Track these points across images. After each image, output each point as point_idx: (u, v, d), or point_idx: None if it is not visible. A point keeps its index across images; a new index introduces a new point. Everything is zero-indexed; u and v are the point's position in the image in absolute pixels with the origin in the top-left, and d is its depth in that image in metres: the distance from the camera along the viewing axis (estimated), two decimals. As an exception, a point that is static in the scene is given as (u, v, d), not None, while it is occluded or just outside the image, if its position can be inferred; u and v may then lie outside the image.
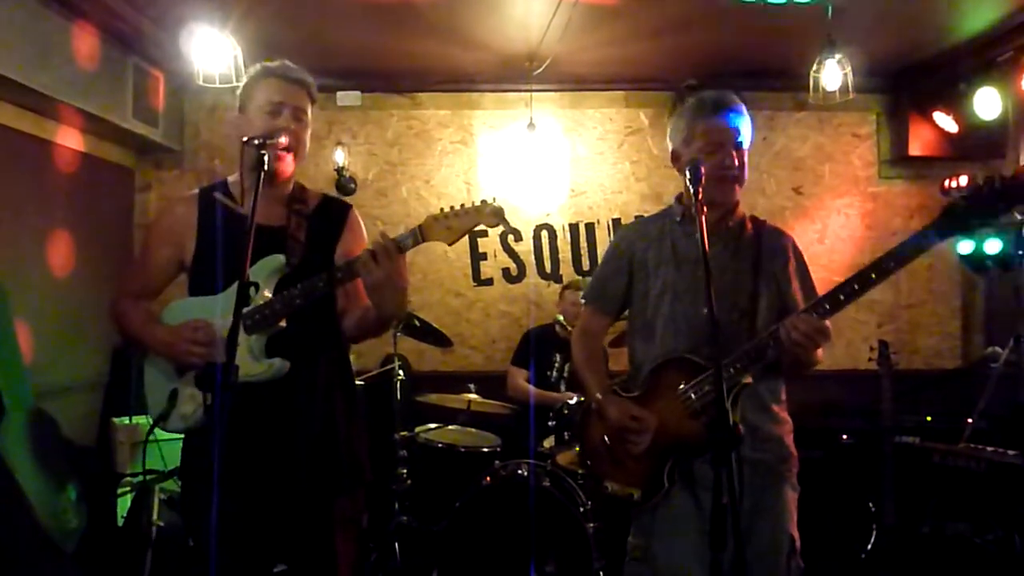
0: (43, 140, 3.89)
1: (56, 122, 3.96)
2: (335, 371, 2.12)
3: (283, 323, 1.97)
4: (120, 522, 3.74)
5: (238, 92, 2.11)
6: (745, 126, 2.14)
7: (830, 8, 3.47)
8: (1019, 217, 1.81)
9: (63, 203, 4.08)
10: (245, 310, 1.92)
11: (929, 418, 4.08)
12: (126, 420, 3.96)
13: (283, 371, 1.95)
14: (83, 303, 4.14)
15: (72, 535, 3.25)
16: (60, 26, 3.60)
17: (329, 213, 2.17)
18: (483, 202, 1.94)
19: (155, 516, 3.54)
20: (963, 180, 3.62)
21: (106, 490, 3.82)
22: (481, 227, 1.96)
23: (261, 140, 1.87)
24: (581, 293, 4.31)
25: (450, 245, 1.99)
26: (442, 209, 1.94)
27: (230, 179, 2.15)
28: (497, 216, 1.94)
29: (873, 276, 1.87)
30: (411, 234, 1.93)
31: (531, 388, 4.26)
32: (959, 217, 1.78)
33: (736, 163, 2.10)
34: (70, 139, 4.12)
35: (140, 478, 3.64)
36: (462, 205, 1.95)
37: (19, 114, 3.70)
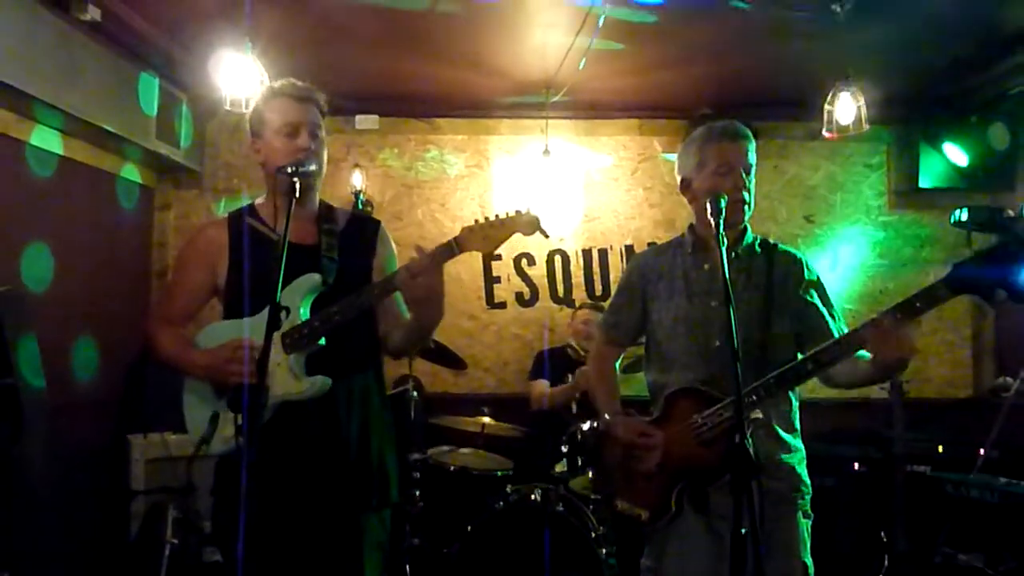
0: (66, 158, 3.95)
1: (80, 140, 4.03)
2: (372, 388, 2.15)
3: (322, 341, 1.99)
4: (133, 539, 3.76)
5: (248, 117, 2.13)
6: (752, 152, 2.20)
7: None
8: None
9: (82, 220, 4.13)
10: (283, 331, 1.96)
11: (941, 447, 4.07)
12: (141, 436, 4.00)
13: (325, 389, 1.97)
14: (100, 319, 4.19)
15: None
16: (87, 47, 3.67)
17: (359, 230, 2.21)
18: (518, 212, 1.97)
19: (169, 534, 3.57)
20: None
21: (120, 506, 3.85)
22: (518, 235, 1.97)
23: (294, 168, 1.91)
24: (588, 313, 4.38)
25: (488, 254, 2.02)
26: (477, 220, 1.98)
27: (257, 202, 2.19)
28: (533, 225, 1.96)
29: (899, 315, 1.87)
30: (447, 246, 1.96)
31: (550, 388, 4.19)
32: (968, 276, 1.79)
33: (746, 185, 2.16)
34: (92, 157, 4.18)
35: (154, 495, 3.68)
36: (497, 215, 1.97)
37: (44, 133, 3.77)
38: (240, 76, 3.28)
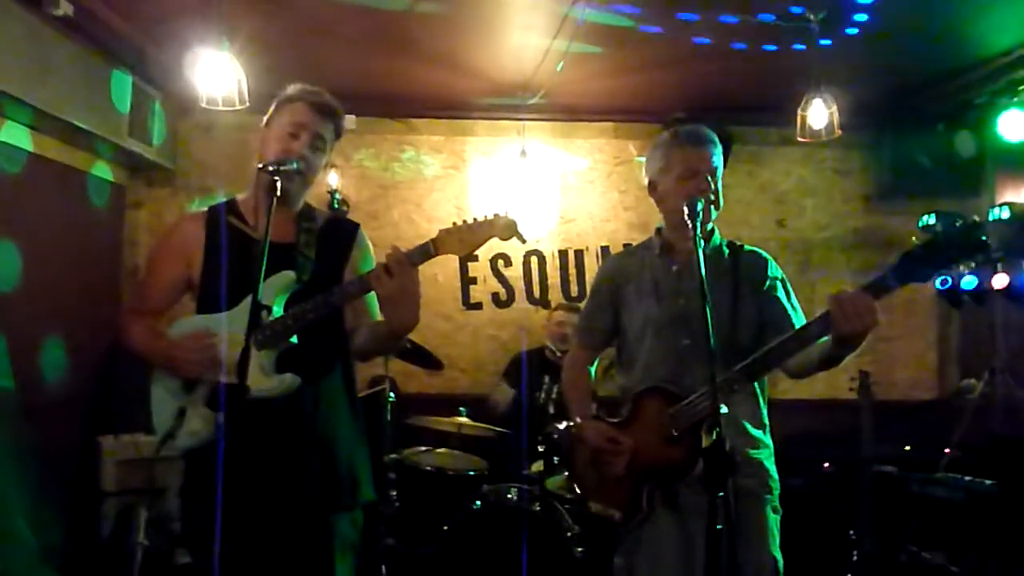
0: (36, 155, 3.89)
1: (51, 137, 3.97)
2: (342, 387, 2.14)
3: (294, 338, 1.98)
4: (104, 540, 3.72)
5: (271, 109, 2.12)
6: (718, 156, 2.23)
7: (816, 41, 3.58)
8: (973, 265, 1.89)
9: (52, 218, 4.07)
10: None
11: (907, 448, 4.16)
12: (111, 437, 3.95)
13: (295, 386, 1.96)
14: (69, 319, 4.13)
15: (53, 550, 3.23)
16: (59, 43, 3.62)
17: (337, 231, 2.20)
18: (495, 215, 1.97)
19: (140, 535, 3.53)
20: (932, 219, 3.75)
21: (90, 508, 3.80)
22: (495, 239, 1.98)
23: (275, 167, 1.90)
24: (564, 315, 4.44)
25: (463, 257, 2.02)
26: (455, 223, 1.97)
27: (239, 198, 2.17)
28: (510, 229, 1.97)
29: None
30: (424, 247, 1.95)
31: (510, 391, 4.43)
32: (915, 264, 1.86)
33: (711, 188, 2.19)
34: (63, 154, 4.13)
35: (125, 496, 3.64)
36: (475, 219, 1.98)
37: (14, 129, 3.71)
38: (216, 74, 3.25)
